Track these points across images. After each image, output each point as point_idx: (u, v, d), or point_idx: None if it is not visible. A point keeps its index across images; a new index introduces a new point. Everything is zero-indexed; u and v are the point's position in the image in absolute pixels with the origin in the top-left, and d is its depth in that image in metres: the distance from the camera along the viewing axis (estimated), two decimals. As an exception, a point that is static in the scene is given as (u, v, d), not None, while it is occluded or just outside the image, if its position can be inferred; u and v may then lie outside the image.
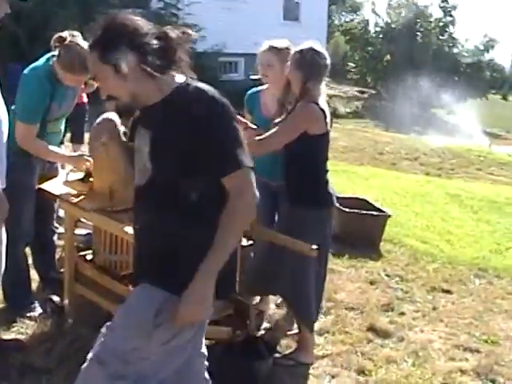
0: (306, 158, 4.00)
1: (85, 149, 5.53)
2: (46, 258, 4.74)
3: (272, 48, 4.42)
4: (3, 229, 3.40)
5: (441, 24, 30.91)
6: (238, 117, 3.99)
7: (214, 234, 2.40)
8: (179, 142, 2.43)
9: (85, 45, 4.09)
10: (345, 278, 5.87)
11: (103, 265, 4.26)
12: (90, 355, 2.56)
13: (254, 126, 4.26)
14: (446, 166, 13.59)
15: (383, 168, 12.65)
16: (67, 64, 4.05)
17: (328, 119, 3.98)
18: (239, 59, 20.51)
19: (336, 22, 39.10)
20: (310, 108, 3.92)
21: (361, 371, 4.20)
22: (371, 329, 4.82)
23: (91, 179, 4.16)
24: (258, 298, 4.89)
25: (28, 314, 4.27)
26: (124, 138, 4.04)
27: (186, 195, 2.47)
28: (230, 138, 2.45)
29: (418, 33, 29.64)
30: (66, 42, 4.07)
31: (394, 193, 9.75)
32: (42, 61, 4.18)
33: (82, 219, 4.51)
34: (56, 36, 4.11)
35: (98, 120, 4.08)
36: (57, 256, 4.85)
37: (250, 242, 5.06)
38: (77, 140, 5.44)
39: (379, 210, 7.11)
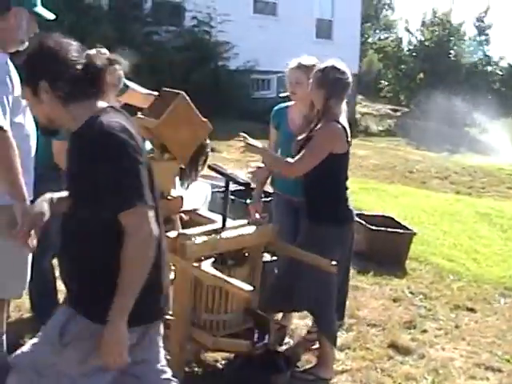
0: (326, 177, 4.03)
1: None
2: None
3: (301, 65, 4.47)
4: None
5: (475, 42, 30.79)
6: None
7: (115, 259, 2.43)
8: (80, 174, 2.51)
9: None
10: (368, 294, 5.89)
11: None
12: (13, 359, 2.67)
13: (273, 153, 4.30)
14: (477, 185, 13.49)
15: (413, 186, 12.60)
16: None
17: (349, 138, 4.02)
18: (271, 77, 20.59)
19: (370, 39, 39.11)
20: (333, 127, 3.96)
21: (379, 387, 4.24)
22: (392, 346, 4.85)
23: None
24: (280, 313, 4.95)
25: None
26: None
27: (86, 224, 2.54)
28: (125, 174, 2.43)
29: (452, 51, 29.54)
30: None
31: (423, 211, 9.72)
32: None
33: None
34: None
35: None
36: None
37: (274, 258, 5.16)
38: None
39: (405, 227, 7.13)
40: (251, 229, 3.98)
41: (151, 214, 2.45)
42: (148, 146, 4.54)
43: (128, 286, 2.42)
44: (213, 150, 12.29)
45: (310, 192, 4.16)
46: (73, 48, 2.53)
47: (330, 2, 23.84)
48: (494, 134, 23.36)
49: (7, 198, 3.28)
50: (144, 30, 16.07)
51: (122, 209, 2.42)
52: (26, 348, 2.68)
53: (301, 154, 3.97)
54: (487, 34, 32.13)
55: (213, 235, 3.76)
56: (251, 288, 3.47)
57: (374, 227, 6.83)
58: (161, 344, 2.83)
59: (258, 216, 4.51)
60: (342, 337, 4.88)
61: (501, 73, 31.45)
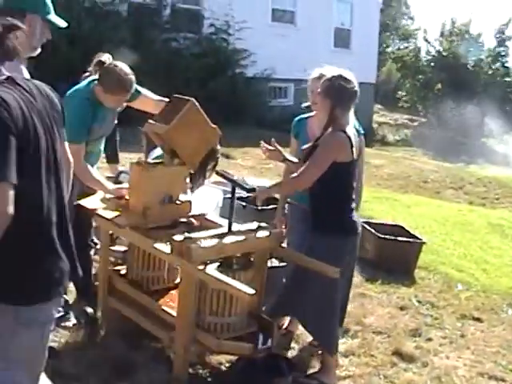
0: (330, 186, 4.04)
1: (123, 168, 5.75)
2: (83, 272, 4.92)
3: (322, 76, 4.49)
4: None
5: (494, 53, 30.68)
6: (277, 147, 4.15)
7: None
8: None
9: (124, 66, 4.33)
10: (375, 302, 5.93)
11: (135, 280, 4.44)
12: None
13: (294, 159, 4.37)
14: (491, 196, 13.48)
15: (427, 196, 12.63)
16: (107, 85, 4.28)
17: (354, 148, 4.02)
18: (289, 85, 20.66)
19: (389, 49, 39.08)
20: (338, 137, 3.98)
21: (381, 393, 4.29)
22: (396, 353, 4.89)
23: (127, 197, 4.35)
24: (287, 319, 5.02)
25: (62, 324, 4.46)
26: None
27: None
28: None
29: (470, 61, 29.46)
30: (106, 65, 4.31)
31: (434, 221, 9.75)
32: (83, 83, 4.42)
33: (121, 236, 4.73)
34: (96, 60, 4.36)
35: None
36: (94, 270, 5.04)
37: (282, 264, 5.22)
38: (112, 160, 5.67)
39: (415, 236, 7.17)
40: (257, 234, 4.05)
41: (10, 192, 2.28)
42: (159, 151, 4.63)
43: None
44: (228, 156, 12.44)
45: (314, 201, 4.18)
46: None
47: (349, 12, 23.86)
48: (511, 145, 23.27)
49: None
50: (162, 37, 16.17)
51: None
52: None
53: (305, 165, 4.02)
54: (507, 46, 31.99)
55: (218, 239, 3.83)
56: (253, 291, 3.54)
57: (382, 235, 6.87)
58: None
59: (283, 227, 4.68)
60: (346, 343, 4.94)
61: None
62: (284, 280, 4.65)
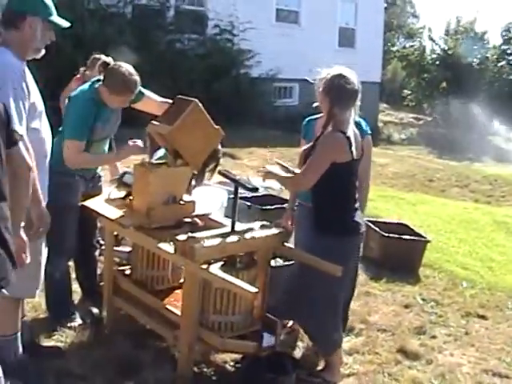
0: (330, 186, 4.03)
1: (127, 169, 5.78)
2: (88, 272, 4.98)
3: None
4: (44, 242, 3.66)
5: (499, 51, 30.64)
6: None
7: None
8: None
9: (128, 67, 4.37)
10: (380, 300, 5.95)
11: (140, 279, 4.48)
12: None
13: (296, 170, 4.35)
14: (497, 194, 13.46)
15: (432, 194, 12.63)
16: (112, 86, 4.32)
17: (354, 147, 3.99)
18: (294, 85, 20.67)
19: (395, 48, 39.01)
20: (335, 137, 3.97)
21: (385, 391, 4.31)
22: (401, 350, 4.90)
23: (131, 197, 4.38)
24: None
25: (68, 324, 4.51)
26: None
27: None
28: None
29: (475, 59, 29.41)
30: (111, 66, 4.35)
31: (439, 219, 9.76)
32: (87, 84, 4.46)
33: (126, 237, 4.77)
34: (100, 62, 4.40)
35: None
36: (99, 271, 5.08)
37: (285, 263, 5.24)
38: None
39: (419, 235, 7.18)
40: (260, 233, 4.07)
41: None
42: (161, 152, 4.67)
43: None
44: (233, 157, 12.48)
45: (315, 201, 4.18)
46: None
47: (353, 11, 23.88)
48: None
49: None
50: (167, 38, 16.23)
51: None
52: None
53: (304, 166, 4.03)
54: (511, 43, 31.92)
55: (221, 239, 3.86)
56: (256, 290, 3.57)
57: (387, 234, 6.89)
58: None
59: (289, 223, 4.70)
60: (351, 341, 4.96)
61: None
62: (287, 281, 4.66)
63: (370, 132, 4.68)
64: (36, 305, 4.74)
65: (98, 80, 4.42)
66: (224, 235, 3.91)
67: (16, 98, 3.27)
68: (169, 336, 4.15)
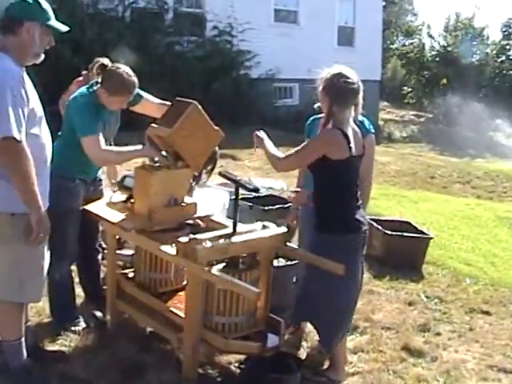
0: (329, 183, 4.04)
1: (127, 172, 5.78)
2: (91, 276, 4.98)
3: None
4: (46, 247, 3.67)
5: (499, 47, 30.61)
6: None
7: None
8: None
9: (126, 68, 4.37)
10: (384, 298, 5.95)
11: (143, 282, 4.48)
12: None
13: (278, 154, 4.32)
14: (499, 190, 13.47)
15: (434, 191, 12.63)
16: (110, 87, 4.32)
17: (352, 144, 3.97)
18: (294, 85, 20.65)
19: (394, 45, 38.97)
20: (331, 133, 3.97)
21: (389, 389, 4.30)
22: (405, 348, 4.90)
23: (132, 201, 4.38)
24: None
25: (72, 328, 4.50)
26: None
27: None
28: None
29: (475, 55, 29.40)
30: (109, 68, 4.36)
31: (442, 216, 9.76)
32: (85, 87, 4.46)
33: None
34: (98, 64, 4.40)
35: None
36: (102, 274, 5.08)
37: (288, 263, 5.24)
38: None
39: (422, 232, 7.18)
40: (262, 233, 4.08)
41: None
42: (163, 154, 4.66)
43: None
44: (234, 158, 12.48)
45: (316, 200, 4.17)
46: None
47: (352, 10, 23.86)
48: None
49: (25, 206, 3.41)
50: (166, 41, 16.24)
51: None
52: None
53: (290, 151, 4.06)
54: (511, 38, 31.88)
55: (223, 240, 3.86)
56: (258, 290, 3.57)
57: (389, 232, 6.89)
58: None
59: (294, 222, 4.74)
60: (355, 340, 4.96)
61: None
62: (297, 283, 4.66)
63: (373, 131, 4.68)
64: (40, 309, 4.74)
65: (97, 83, 4.42)
66: (226, 236, 3.91)
67: (15, 104, 3.29)
68: (173, 338, 4.16)
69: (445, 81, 29.22)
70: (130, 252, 5.18)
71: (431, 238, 7.10)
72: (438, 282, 6.60)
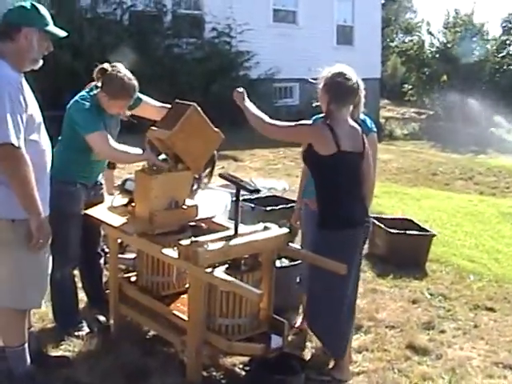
0: (322, 180, 4.08)
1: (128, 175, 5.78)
2: (94, 280, 4.97)
3: None
4: (48, 252, 3.66)
5: (499, 42, 30.54)
6: None
7: None
8: None
9: (126, 72, 4.36)
10: (387, 297, 5.93)
11: (146, 286, 4.47)
12: None
13: (258, 113, 4.30)
14: (501, 185, 13.41)
15: (436, 188, 12.59)
16: (111, 91, 4.31)
17: (343, 141, 3.95)
18: (294, 84, 20.62)
19: (394, 43, 38.92)
20: (317, 125, 4.06)
21: (395, 387, 4.29)
22: (410, 346, 4.88)
23: (133, 204, 4.38)
24: (299, 317, 5.05)
25: (76, 333, 4.50)
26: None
27: None
28: None
29: (475, 51, 29.33)
30: (109, 72, 4.35)
31: (445, 213, 9.73)
32: (85, 91, 4.45)
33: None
34: (98, 68, 4.39)
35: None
36: (104, 278, 5.07)
37: (291, 263, 5.24)
38: (111, 166, 5.70)
39: (425, 229, 7.17)
40: (263, 234, 4.07)
41: None
42: (162, 156, 4.65)
43: None
44: (236, 159, 12.48)
45: (316, 198, 4.17)
46: None
47: (350, 8, 23.84)
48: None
49: (25, 212, 3.41)
50: (165, 43, 16.23)
51: None
52: None
53: (278, 122, 4.12)
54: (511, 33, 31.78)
55: (225, 242, 3.85)
56: (260, 291, 3.56)
57: (392, 230, 6.87)
58: None
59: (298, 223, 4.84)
60: (359, 339, 4.95)
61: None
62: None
63: (375, 129, 4.66)
64: (43, 315, 4.73)
65: (96, 87, 4.41)
66: (227, 238, 3.90)
67: (13, 110, 3.28)
68: (176, 341, 4.15)
69: (445, 77, 29.11)
70: (132, 256, 5.18)
71: (434, 236, 7.08)
72: (442, 280, 6.58)
